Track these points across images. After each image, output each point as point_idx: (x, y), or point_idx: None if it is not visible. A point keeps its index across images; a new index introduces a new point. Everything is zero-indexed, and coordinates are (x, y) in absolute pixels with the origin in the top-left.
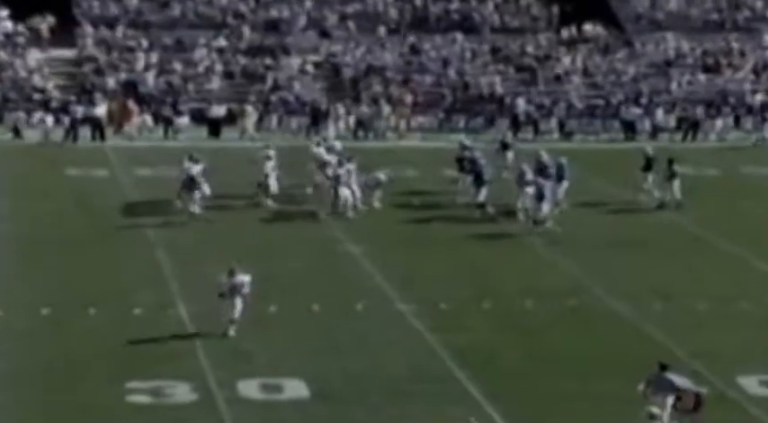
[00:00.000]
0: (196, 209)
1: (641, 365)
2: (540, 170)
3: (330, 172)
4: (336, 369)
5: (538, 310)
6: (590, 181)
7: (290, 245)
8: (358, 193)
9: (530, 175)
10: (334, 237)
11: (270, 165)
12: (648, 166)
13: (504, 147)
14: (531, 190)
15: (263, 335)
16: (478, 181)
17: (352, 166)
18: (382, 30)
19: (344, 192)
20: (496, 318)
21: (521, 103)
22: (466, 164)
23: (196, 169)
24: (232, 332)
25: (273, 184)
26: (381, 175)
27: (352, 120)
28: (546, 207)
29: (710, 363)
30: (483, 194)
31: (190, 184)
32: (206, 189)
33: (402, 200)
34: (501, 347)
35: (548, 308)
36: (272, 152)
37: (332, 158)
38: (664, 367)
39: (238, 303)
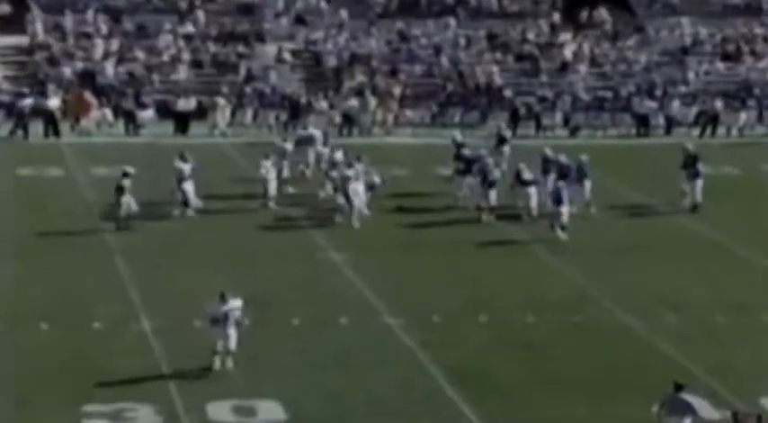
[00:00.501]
0: (196, 204)
1: (654, 385)
2: (546, 169)
3: (336, 173)
4: (316, 389)
5: (540, 324)
6: (598, 181)
7: (266, 252)
8: (364, 198)
9: (527, 175)
10: (314, 243)
11: (269, 163)
12: (688, 163)
13: (501, 141)
14: (532, 190)
15: (238, 350)
16: (487, 182)
17: (360, 167)
18: (368, 14)
19: (355, 195)
20: (494, 332)
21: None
22: (460, 164)
23: (186, 168)
24: (230, 364)
25: (273, 185)
26: (375, 178)
27: (336, 114)
28: (566, 210)
29: (730, 381)
30: (493, 197)
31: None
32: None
33: (390, 202)
34: (499, 365)
35: (551, 321)
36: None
37: (339, 157)
38: (679, 387)
39: (232, 332)
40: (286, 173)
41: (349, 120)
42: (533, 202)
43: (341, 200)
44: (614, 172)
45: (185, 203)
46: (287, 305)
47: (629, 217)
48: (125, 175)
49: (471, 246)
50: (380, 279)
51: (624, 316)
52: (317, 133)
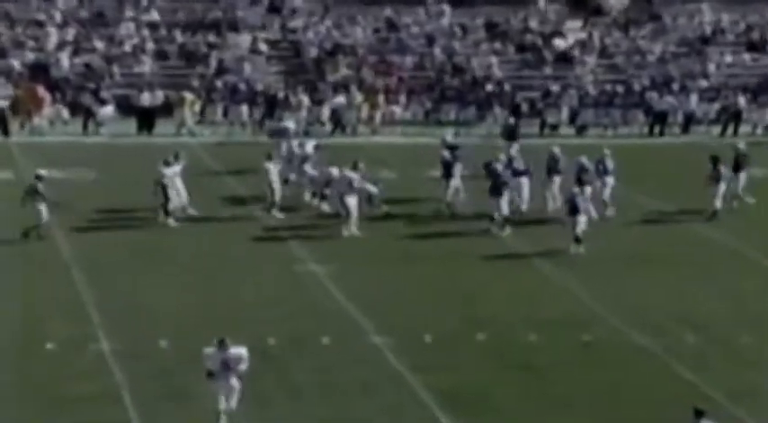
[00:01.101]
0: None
1: (671, 412)
2: (553, 170)
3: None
4: (295, 417)
5: (543, 344)
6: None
7: (239, 263)
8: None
9: (519, 164)
10: (292, 254)
11: (271, 166)
12: (739, 165)
13: (511, 135)
14: (524, 181)
15: (204, 375)
16: (496, 189)
17: (356, 175)
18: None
19: (352, 202)
20: (493, 353)
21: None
22: (446, 165)
23: (173, 169)
24: None
25: (278, 190)
26: (371, 186)
27: (319, 111)
28: (583, 220)
29: (755, 407)
30: (504, 206)
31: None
32: (171, 193)
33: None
34: (498, 389)
35: (555, 341)
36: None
37: (309, 150)
38: (699, 413)
39: (235, 384)
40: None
41: (337, 118)
42: (525, 193)
43: (338, 207)
44: (626, 175)
45: (165, 211)
46: (262, 323)
47: (642, 225)
48: (38, 178)
49: (468, 257)
50: (367, 294)
51: (637, 335)
52: (291, 125)
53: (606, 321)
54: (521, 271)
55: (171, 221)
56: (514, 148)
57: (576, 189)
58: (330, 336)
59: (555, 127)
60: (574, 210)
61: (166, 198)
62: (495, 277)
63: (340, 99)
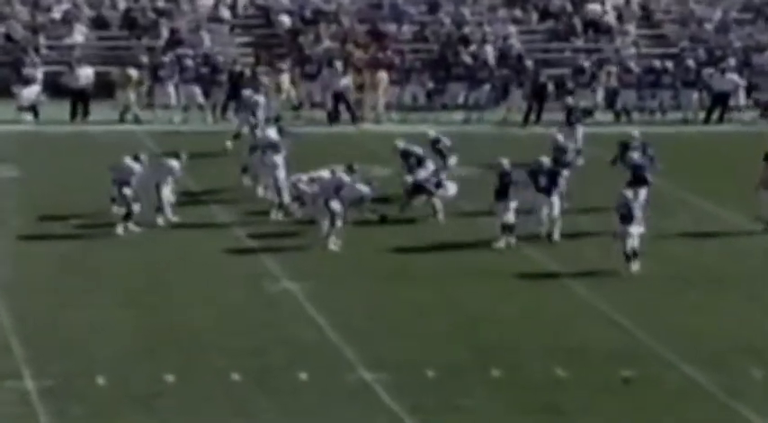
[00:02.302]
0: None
1: None
2: (556, 161)
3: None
4: None
5: (573, 381)
6: (654, 187)
7: (196, 280)
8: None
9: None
10: (263, 268)
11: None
12: None
13: (571, 118)
14: (556, 201)
15: (156, 416)
16: (501, 194)
17: (346, 177)
18: None
19: (338, 208)
20: (510, 392)
21: None
22: (412, 161)
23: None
24: None
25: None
26: (363, 187)
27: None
28: (637, 231)
29: None
30: (510, 213)
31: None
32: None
33: (366, 212)
34: None
35: (588, 377)
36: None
37: (272, 136)
38: None
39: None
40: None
41: (346, 104)
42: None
43: (321, 218)
44: (676, 171)
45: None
46: (224, 353)
47: (696, 234)
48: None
49: (477, 274)
50: (353, 318)
51: (689, 369)
52: (260, 99)
53: (651, 352)
54: (542, 290)
55: (120, 229)
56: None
57: (629, 193)
58: (309, 370)
59: (589, 112)
60: (627, 218)
61: (125, 200)
62: (510, 298)
63: (344, 80)
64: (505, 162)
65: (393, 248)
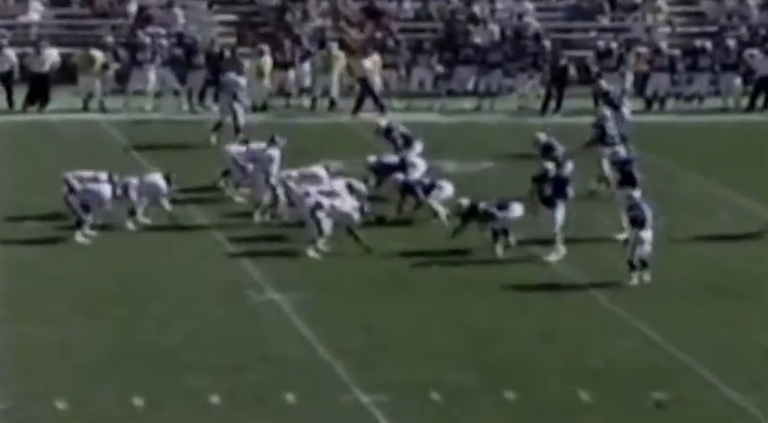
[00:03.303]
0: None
1: None
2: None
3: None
4: None
5: (598, 405)
6: (686, 181)
7: (171, 290)
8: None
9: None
10: (245, 277)
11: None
12: None
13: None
14: (559, 216)
15: None
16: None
17: (340, 184)
18: None
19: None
20: (525, 417)
21: None
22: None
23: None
24: None
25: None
26: (358, 184)
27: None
28: (648, 237)
29: None
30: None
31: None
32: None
33: None
34: None
35: (615, 400)
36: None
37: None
38: None
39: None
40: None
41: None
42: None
43: (311, 223)
44: (714, 165)
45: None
46: (201, 372)
47: (736, 238)
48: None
49: (487, 283)
50: (347, 333)
51: (729, 390)
52: (242, 81)
53: (686, 371)
54: (561, 301)
55: (80, 236)
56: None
57: (637, 193)
58: (297, 391)
59: (605, 94)
60: (639, 222)
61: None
62: (524, 310)
63: (367, 63)
64: (550, 166)
65: (391, 254)
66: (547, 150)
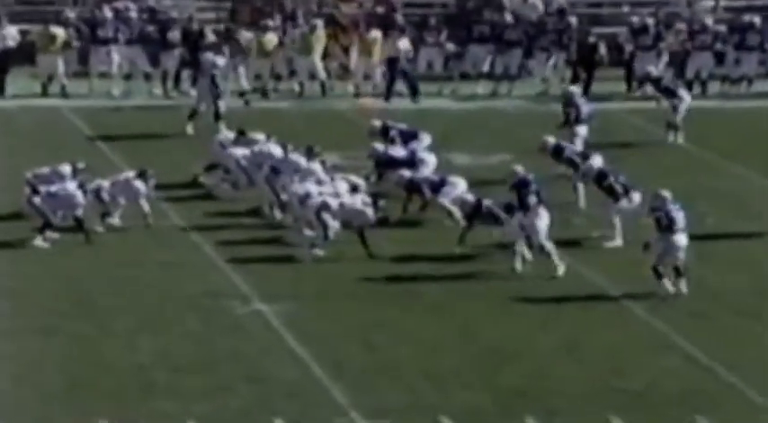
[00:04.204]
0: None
1: None
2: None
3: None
4: None
5: None
6: (736, 179)
7: (143, 301)
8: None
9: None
10: (228, 286)
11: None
12: None
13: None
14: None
15: None
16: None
17: (343, 186)
18: None
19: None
20: None
21: None
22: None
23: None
24: None
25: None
26: (357, 178)
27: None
28: (683, 241)
29: None
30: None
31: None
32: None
33: None
34: None
35: None
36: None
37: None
38: None
39: None
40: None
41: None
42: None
43: (304, 230)
44: (763, 159)
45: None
46: (176, 395)
47: None
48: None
49: (505, 294)
50: (344, 350)
51: None
52: (220, 61)
53: (734, 394)
54: (589, 314)
55: (39, 240)
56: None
57: (666, 193)
58: (286, 415)
59: (656, 81)
60: (663, 226)
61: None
62: (547, 325)
63: (402, 43)
64: (597, 160)
65: (394, 260)
66: (558, 153)
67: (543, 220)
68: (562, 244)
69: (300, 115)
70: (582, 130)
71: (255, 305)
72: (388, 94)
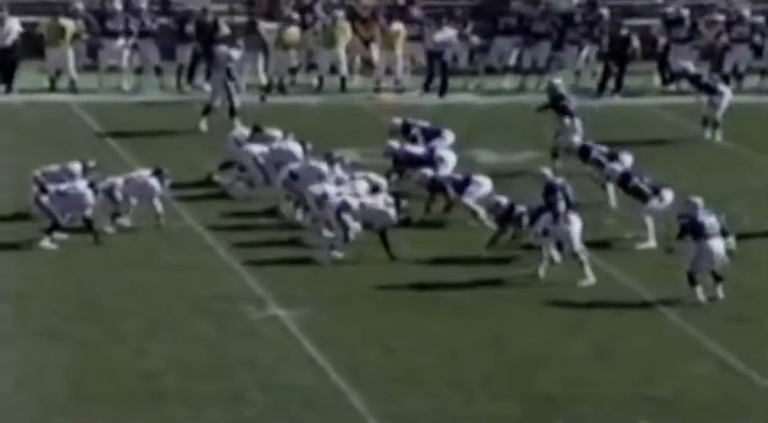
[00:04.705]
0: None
1: None
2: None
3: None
4: None
5: None
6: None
7: (153, 305)
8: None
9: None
10: (243, 289)
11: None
12: None
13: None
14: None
15: None
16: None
17: (363, 185)
18: None
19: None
20: None
21: None
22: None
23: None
24: None
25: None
26: (377, 177)
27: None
28: (715, 248)
29: None
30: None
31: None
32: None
33: None
34: None
35: None
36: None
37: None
38: None
39: None
40: None
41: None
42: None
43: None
44: None
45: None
46: (188, 404)
47: None
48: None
49: (532, 298)
50: (364, 356)
51: None
52: (235, 53)
53: None
54: (620, 320)
55: (47, 241)
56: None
57: (697, 199)
58: None
59: (694, 78)
60: (693, 231)
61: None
62: (577, 331)
63: (447, 33)
64: (627, 160)
65: (417, 262)
66: (585, 154)
67: (575, 227)
68: (593, 245)
69: (318, 111)
70: (578, 124)
71: (271, 309)
72: (427, 87)
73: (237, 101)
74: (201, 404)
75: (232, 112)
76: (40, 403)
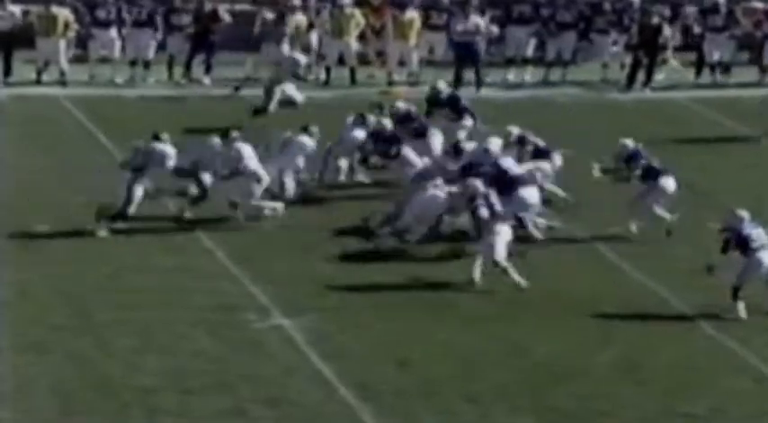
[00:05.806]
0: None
1: None
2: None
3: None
4: None
5: None
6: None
7: (148, 314)
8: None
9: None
10: (244, 297)
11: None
12: None
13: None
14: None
15: None
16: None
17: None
18: None
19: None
20: None
21: None
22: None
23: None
24: None
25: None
26: None
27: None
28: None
29: None
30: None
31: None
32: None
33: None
34: None
35: None
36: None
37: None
38: None
39: None
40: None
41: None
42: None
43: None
44: None
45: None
46: (186, 418)
47: None
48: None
49: (555, 306)
50: (375, 369)
51: None
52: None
53: None
54: (652, 331)
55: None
56: None
57: (743, 212)
58: None
59: (728, 68)
60: (743, 244)
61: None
62: (603, 342)
63: (475, 20)
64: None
65: (430, 268)
66: (632, 160)
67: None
68: (622, 251)
69: (326, 105)
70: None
71: (275, 319)
72: (458, 82)
73: (273, 106)
74: (201, 421)
75: (260, 111)
76: (29, 421)
